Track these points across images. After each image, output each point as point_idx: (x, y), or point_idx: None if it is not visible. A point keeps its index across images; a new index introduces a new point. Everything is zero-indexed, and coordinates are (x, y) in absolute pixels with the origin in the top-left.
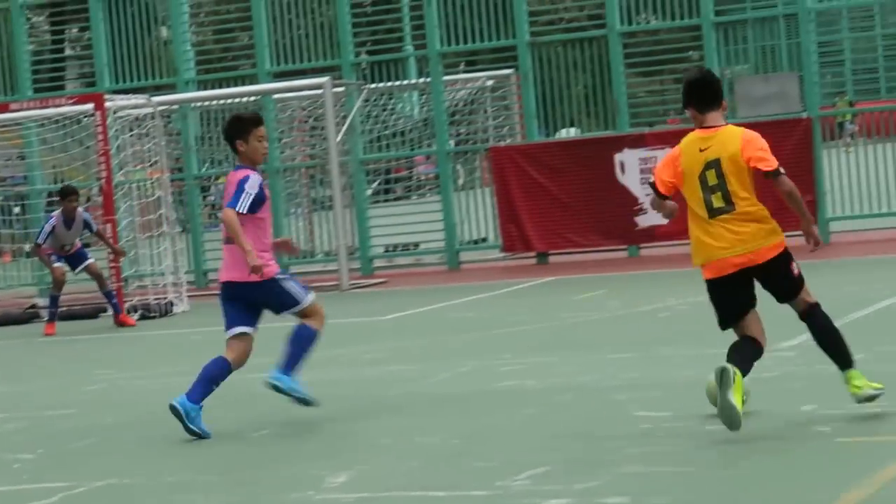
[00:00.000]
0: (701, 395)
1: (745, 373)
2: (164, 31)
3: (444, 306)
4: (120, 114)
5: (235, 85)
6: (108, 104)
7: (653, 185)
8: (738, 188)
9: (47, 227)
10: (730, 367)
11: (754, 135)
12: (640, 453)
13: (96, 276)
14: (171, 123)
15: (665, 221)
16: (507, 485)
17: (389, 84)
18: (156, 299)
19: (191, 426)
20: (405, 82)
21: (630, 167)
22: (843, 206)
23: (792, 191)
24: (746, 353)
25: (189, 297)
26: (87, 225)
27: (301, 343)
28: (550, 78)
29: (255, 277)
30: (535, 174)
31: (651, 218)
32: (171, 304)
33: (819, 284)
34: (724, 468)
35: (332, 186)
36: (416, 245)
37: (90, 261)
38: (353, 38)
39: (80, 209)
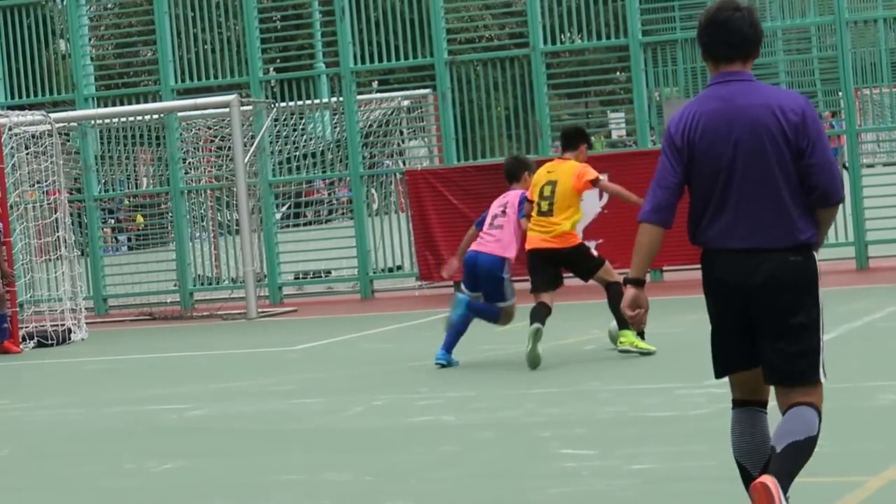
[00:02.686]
0: (627, 433)
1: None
2: (62, 45)
3: (356, 337)
4: (15, 130)
5: (138, 102)
6: (2, 120)
7: None
8: None
9: None
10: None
11: None
12: (564, 493)
13: None
14: (69, 142)
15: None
16: None
17: (300, 103)
18: (53, 326)
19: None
20: (317, 101)
21: None
22: (847, 233)
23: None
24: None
25: (88, 324)
26: None
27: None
28: (470, 99)
29: None
30: (454, 199)
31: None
32: (70, 331)
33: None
34: None
35: (239, 209)
36: (328, 272)
37: None
38: (262, 55)
39: None
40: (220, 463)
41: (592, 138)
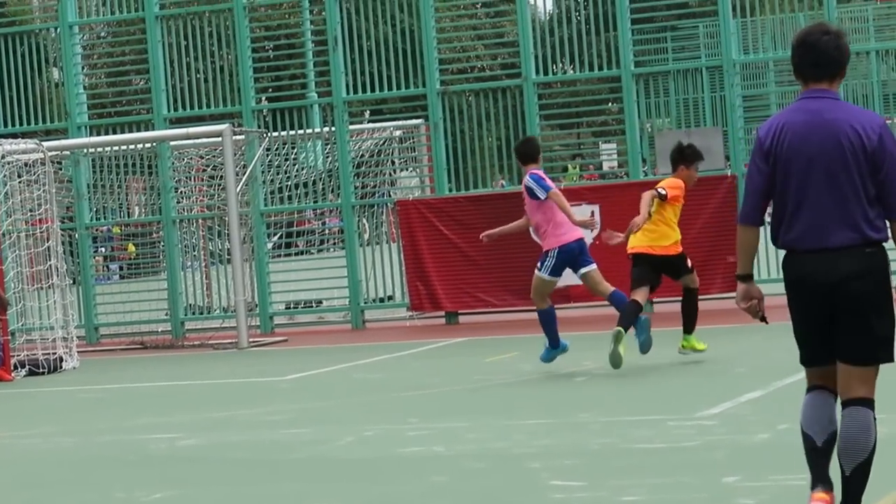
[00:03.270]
0: (617, 464)
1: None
2: (55, 73)
3: (347, 367)
4: (8, 159)
5: (130, 131)
6: None
7: None
8: None
9: None
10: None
11: None
12: None
13: None
14: (61, 170)
15: (580, 282)
16: None
17: (292, 133)
18: (44, 354)
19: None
20: (309, 131)
21: None
22: (770, 270)
23: None
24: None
25: (79, 352)
26: None
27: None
28: (461, 129)
29: None
30: (445, 230)
31: (565, 278)
32: (61, 359)
33: (743, 350)
34: None
35: (230, 239)
36: (319, 302)
37: None
38: (255, 84)
39: None
40: (211, 492)
41: (569, 166)
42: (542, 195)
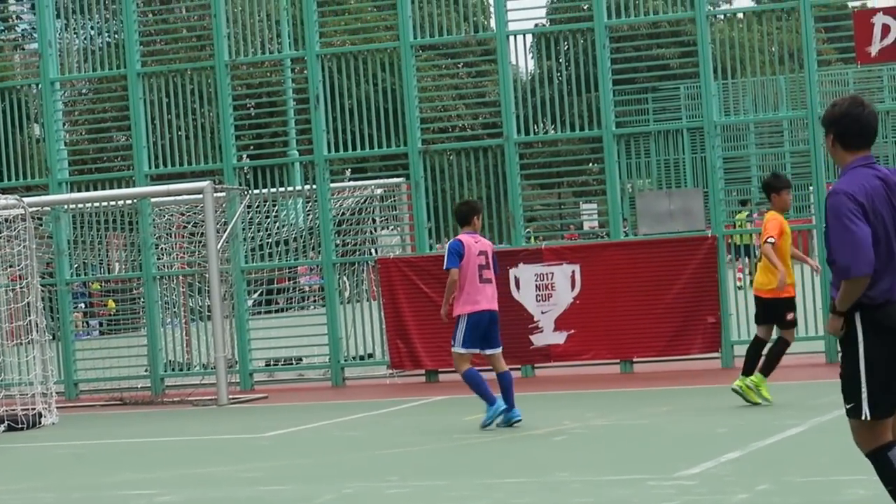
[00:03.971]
0: None
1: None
2: (36, 129)
3: (327, 424)
4: None
5: (111, 187)
6: None
7: None
8: None
9: None
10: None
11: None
12: None
13: None
14: (42, 226)
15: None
16: None
17: (273, 190)
18: (23, 410)
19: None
20: (290, 188)
21: (525, 283)
22: (750, 329)
23: None
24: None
25: (58, 408)
26: None
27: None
28: (442, 188)
29: None
30: (426, 288)
31: (546, 337)
32: (40, 415)
33: (724, 412)
34: None
35: (211, 295)
36: (300, 359)
37: None
38: (236, 142)
39: None
40: None
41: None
42: (444, 265)
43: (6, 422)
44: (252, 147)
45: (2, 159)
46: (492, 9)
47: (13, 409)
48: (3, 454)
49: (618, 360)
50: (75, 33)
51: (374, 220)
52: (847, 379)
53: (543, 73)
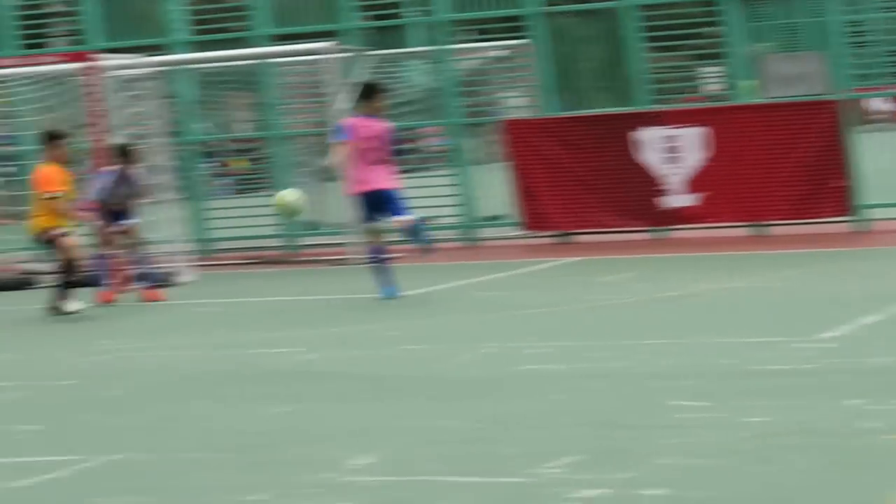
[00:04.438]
0: (739, 385)
1: None
2: None
3: (462, 284)
4: (112, 74)
5: (232, 47)
6: (100, 63)
7: None
8: None
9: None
10: None
11: None
12: (676, 444)
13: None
14: (167, 86)
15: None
16: (540, 472)
17: (395, 51)
18: (159, 268)
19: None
20: (412, 49)
21: (649, 146)
22: (884, 193)
23: None
24: None
25: (192, 266)
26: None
27: None
28: (563, 51)
29: None
30: (554, 149)
31: (676, 199)
32: (176, 273)
33: (859, 275)
34: (765, 463)
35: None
36: (431, 220)
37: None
38: (356, 2)
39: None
40: (332, 408)
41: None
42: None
43: (146, 280)
44: (371, 8)
45: (124, 19)
46: None
47: (152, 268)
48: (143, 312)
49: (748, 223)
50: None
51: (498, 82)
52: None
53: None
